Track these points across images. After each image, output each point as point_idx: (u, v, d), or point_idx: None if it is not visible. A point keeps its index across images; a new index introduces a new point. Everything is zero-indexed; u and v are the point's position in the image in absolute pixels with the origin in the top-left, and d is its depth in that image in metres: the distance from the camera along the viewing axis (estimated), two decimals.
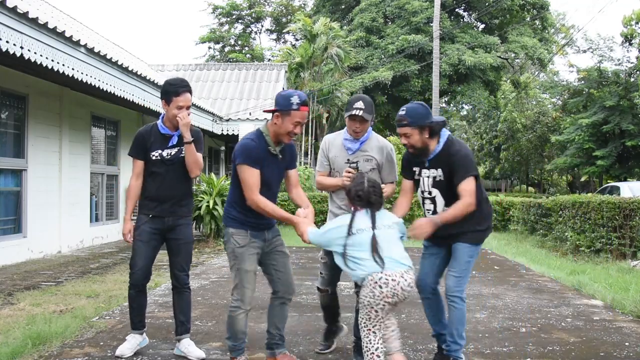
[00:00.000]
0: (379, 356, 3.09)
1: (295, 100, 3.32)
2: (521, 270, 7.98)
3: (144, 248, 3.79)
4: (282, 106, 3.34)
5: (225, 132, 14.71)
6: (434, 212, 3.57)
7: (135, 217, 3.90)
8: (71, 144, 9.40)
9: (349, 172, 3.67)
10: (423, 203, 3.65)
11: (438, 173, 3.53)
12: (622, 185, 14.93)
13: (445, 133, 3.56)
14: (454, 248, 3.54)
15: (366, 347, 3.13)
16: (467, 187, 3.42)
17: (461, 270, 3.50)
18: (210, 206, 10.09)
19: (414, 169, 3.65)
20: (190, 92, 3.79)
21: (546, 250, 10.17)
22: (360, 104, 3.66)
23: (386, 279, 3.05)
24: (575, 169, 29.56)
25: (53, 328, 4.29)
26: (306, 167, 18.54)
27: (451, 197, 3.48)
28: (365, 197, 3.24)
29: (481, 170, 50.57)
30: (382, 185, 3.56)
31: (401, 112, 3.51)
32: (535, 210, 12.18)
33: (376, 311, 3.10)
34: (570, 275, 7.20)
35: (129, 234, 3.84)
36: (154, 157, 3.78)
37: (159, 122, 3.85)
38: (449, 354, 3.56)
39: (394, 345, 3.24)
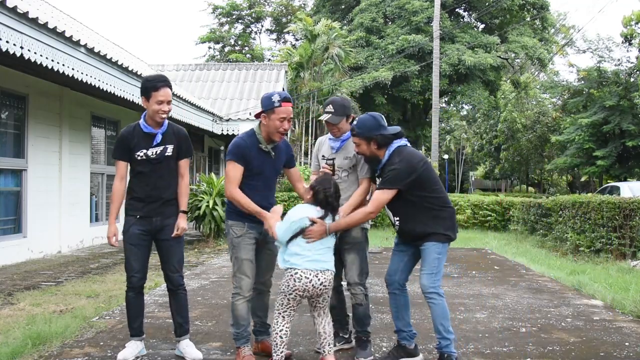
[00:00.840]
0: (281, 337, 3.44)
1: (276, 98, 3.58)
2: (521, 270, 7.97)
3: (136, 251, 3.77)
4: (266, 106, 3.59)
5: (225, 132, 14.71)
6: (389, 218, 3.77)
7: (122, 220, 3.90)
8: (71, 144, 9.40)
9: (325, 169, 3.84)
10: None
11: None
12: (622, 185, 14.93)
13: (394, 145, 3.64)
14: (422, 249, 3.65)
15: (273, 327, 3.49)
16: (376, 197, 3.60)
17: (432, 267, 3.60)
18: (210, 206, 10.09)
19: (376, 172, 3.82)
20: (169, 87, 3.78)
21: (546, 250, 10.17)
22: (329, 108, 3.85)
23: (300, 275, 3.39)
24: (575, 169, 29.58)
25: (53, 328, 4.29)
26: (306, 167, 18.53)
27: (394, 205, 3.65)
28: (332, 200, 3.51)
29: (481, 170, 50.76)
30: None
31: (354, 122, 3.72)
32: (535, 210, 12.19)
33: (288, 300, 3.45)
34: (570, 275, 7.20)
35: (113, 238, 3.78)
36: (139, 157, 3.75)
37: (141, 121, 3.81)
38: (441, 351, 3.62)
39: (326, 349, 3.53)
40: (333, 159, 3.88)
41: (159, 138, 3.77)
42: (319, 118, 3.99)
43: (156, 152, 3.76)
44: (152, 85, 3.72)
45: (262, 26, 43.19)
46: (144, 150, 3.75)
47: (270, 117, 3.57)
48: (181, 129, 3.94)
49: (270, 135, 3.64)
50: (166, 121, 3.84)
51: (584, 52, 26.02)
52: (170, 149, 3.79)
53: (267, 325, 3.89)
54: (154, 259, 3.93)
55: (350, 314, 4.03)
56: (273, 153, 3.71)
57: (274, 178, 3.84)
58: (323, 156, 3.97)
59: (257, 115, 3.69)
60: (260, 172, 3.68)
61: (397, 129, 3.67)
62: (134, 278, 3.79)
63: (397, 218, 3.68)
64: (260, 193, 3.67)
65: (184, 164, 3.90)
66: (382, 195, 3.55)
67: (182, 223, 3.81)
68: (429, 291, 3.57)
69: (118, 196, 3.83)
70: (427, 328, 4.47)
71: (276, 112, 3.55)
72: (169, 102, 3.74)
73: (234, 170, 3.61)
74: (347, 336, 4.08)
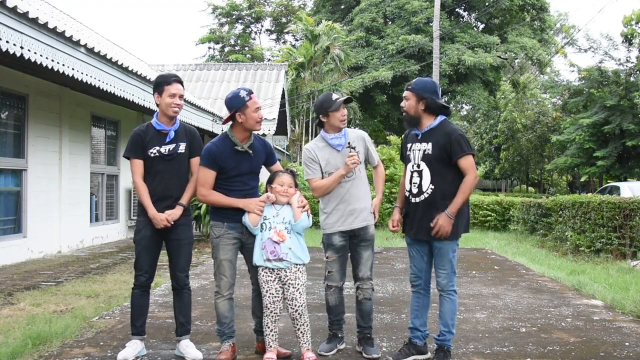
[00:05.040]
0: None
1: (243, 93, 3.68)
2: (521, 270, 7.97)
3: (146, 252, 3.81)
4: (238, 104, 3.67)
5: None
6: (419, 185, 3.72)
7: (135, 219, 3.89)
8: (71, 144, 9.40)
9: (352, 156, 3.83)
10: (411, 177, 3.78)
11: (428, 147, 3.69)
12: (622, 185, 14.93)
13: (442, 116, 3.75)
14: (437, 246, 3.70)
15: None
16: (468, 164, 3.63)
17: (450, 267, 3.72)
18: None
19: (408, 144, 3.85)
20: (181, 83, 3.85)
21: (546, 250, 10.17)
22: (337, 95, 3.98)
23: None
24: (575, 169, 29.54)
25: (53, 328, 4.29)
26: None
27: (436, 171, 3.66)
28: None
29: (481, 170, 50.77)
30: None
31: (414, 80, 3.79)
32: (535, 210, 12.18)
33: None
34: (570, 275, 7.20)
35: (166, 219, 3.70)
36: (152, 155, 3.77)
37: (153, 120, 3.85)
38: (444, 344, 3.73)
39: (304, 346, 3.71)
40: (354, 147, 3.90)
41: (171, 135, 3.81)
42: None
43: (169, 149, 3.79)
44: (164, 80, 3.80)
45: (262, 26, 43.18)
46: (157, 148, 3.77)
47: (245, 112, 3.65)
48: (192, 127, 3.99)
49: (250, 129, 3.72)
50: (178, 120, 3.89)
51: (585, 51, 25.93)
52: (182, 146, 3.83)
53: None
54: (159, 258, 3.94)
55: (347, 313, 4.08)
56: (251, 151, 3.75)
57: (255, 177, 3.85)
58: (350, 144, 3.91)
59: (227, 120, 3.75)
60: (238, 173, 3.73)
61: (446, 105, 3.77)
62: (142, 277, 3.83)
63: (432, 186, 3.65)
64: (241, 193, 3.72)
65: (195, 162, 3.89)
66: (471, 159, 3.63)
67: (172, 212, 3.74)
68: (449, 289, 3.71)
69: (143, 189, 3.75)
70: (429, 328, 4.46)
71: (249, 105, 3.66)
72: (181, 97, 3.81)
73: (203, 175, 3.71)
74: (343, 335, 4.10)
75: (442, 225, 3.57)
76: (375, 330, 4.30)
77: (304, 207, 3.71)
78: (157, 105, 3.83)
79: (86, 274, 7.03)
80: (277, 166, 3.95)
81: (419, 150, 3.72)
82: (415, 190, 3.73)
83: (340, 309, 4.04)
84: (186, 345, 3.85)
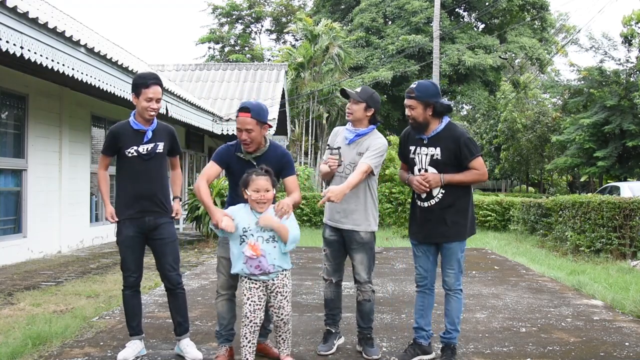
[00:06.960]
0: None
1: (237, 109, 3.63)
2: (521, 270, 7.97)
3: (130, 252, 3.79)
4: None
5: (225, 132, 14.69)
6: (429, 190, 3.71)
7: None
8: (71, 144, 9.40)
9: (331, 159, 3.85)
10: None
11: (436, 152, 3.65)
12: (622, 185, 14.93)
13: (447, 118, 3.70)
14: (446, 247, 3.72)
15: None
16: (479, 165, 3.63)
17: (458, 267, 3.75)
18: None
19: (410, 147, 3.77)
20: (160, 85, 3.79)
21: (546, 250, 10.16)
22: (357, 89, 3.93)
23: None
24: (575, 169, 29.55)
25: (53, 328, 4.29)
26: (306, 167, 18.52)
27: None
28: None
29: None
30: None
31: (412, 85, 3.67)
32: (535, 210, 12.18)
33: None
34: (570, 275, 7.20)
35: (111, 217, 3.84)
36: (129, 154, 3.75)
37: (130, 118, 3.82)
38: (450, 342, 3.76)
39: (281, 349, 3.64)
40: (338, 148, 3.88)
41: (149, 134, 3.78)
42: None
43: (147, 148, 3.78)
44: (142, 82, 3.73)
45: (262, 26, 43.19)
46: (135, 147, 3.76)
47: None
48: (170, 126, 3.98)
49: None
50: (155, 119, 3.87)
51: (587, 50, 25.92)
52: (161, 146, 3.82)
53: (266, 329, 3.87)
54: (153, 259, 3.93)
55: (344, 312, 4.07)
56: (255, 163, 3.65)
57: None
58: (328, 145, 3.98)
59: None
60: (239, 178, 3.66)
61: (449, 103, 3.72)
62: (131, 278, 3.82)
63: (443, 191, 3.63)
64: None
65: (175, 160, 4.08)
66: (481, 160, 3.64)
67: (177, 206, 3.95)
68: (456, 289, 3.76)
69: (105, 180, 3.95)
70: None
71: (236, 121, 3.61)
72: (158, 100, 3.75)
73: (209, 168, 3.73)
74: (339, 331, 4.11)
75: (429, 179, 3.56)
76: (375, 330, 4.30)
77: (282, 214, 3.45)
78: (135, 103, 3.78)
79: (86, 274, 7.03)
80: (291, 180, 3.72)
81: (426, 154, 3.66)
82: (424, 195, 3.69)
83: (335, 304, 4.04)
84: (186, 345, 3.84)
